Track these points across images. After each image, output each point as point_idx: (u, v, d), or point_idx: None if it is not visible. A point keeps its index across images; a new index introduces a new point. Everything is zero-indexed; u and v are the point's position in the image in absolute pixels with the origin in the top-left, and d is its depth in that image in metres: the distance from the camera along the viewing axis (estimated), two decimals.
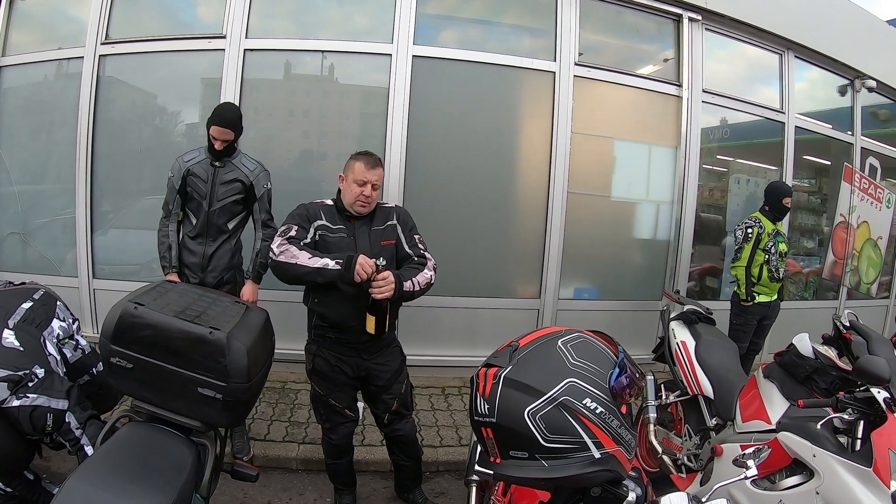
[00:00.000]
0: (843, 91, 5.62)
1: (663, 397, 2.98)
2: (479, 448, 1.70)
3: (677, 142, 4.72)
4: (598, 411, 1.13)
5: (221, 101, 3.16)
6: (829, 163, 5.79)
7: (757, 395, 2.41)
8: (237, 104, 4.11)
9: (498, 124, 4.45)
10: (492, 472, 1.22)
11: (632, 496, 1.20)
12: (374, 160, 2.39)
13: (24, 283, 2.42)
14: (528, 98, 4.53)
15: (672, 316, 3.19)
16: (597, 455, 1.13)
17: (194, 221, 3.08)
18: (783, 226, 4.29)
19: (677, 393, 2.94)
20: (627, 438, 1.19)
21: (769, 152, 5.28)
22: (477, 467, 1.26)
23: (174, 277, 3.06)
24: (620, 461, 1.17)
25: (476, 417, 1.22)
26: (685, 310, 3.18)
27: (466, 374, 4.24)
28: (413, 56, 4.16)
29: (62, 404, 1.89)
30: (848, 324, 2.57)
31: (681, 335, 3.00)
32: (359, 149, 2.52)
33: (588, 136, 4.50)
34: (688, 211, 4.75)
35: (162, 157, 4.43)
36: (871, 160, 5.71)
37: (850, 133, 5.64)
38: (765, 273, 4.07)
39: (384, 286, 2.18)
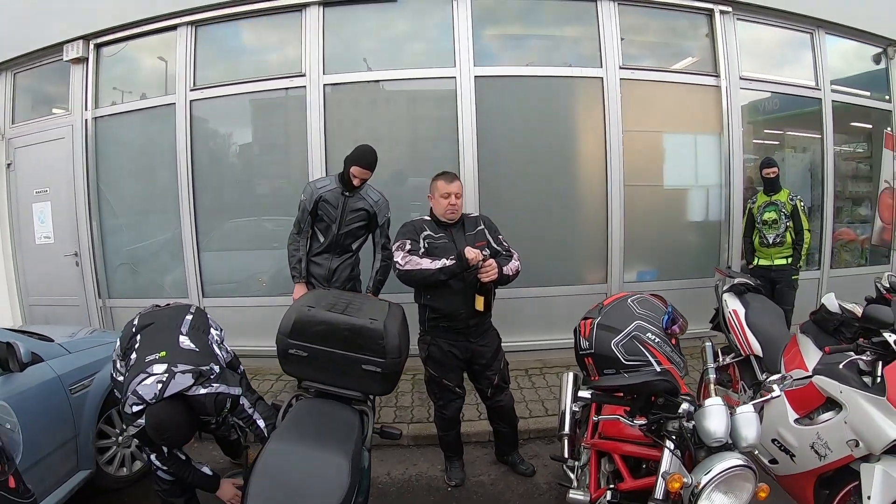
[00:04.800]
0: (877, 59, 5.68)
1: (720, 360, 3.22)
2: (570, 400, 2.33)
3: (720, 128, 4.94)
4: (656, 341, 1.95)
5: (361, 144, 3.43)
6: (869, 126, 5.82)
7: (796, 347, 2.69)
8: (324, 133, 4.52)
9: (556, 129, 4.81)
10: (589, 395, 1.73)
11: (685, 405, 1.74)
12: (452, 176, 2.88)
13: (168, 304, 2.67)
14: (581, 103, 4.86)
15: (724, 289, 3.46)
16: (658, 369, 1.86)
17: (322, 239, 3.49)
18: (787, 196, 4.49)
19: (732, 355, 3.20)
20: (677, 360, 1.97)
21: (810, 124, 5.39)
22: (580, 393, 1.73)
23: (302, 287, 3.49)
24: (674, 375, 1.79)
25: (581, 352, 2.14)
26: (736, 282, 3.45)
27: (546, 357, 4.65)
28: (475, 77, 4.53)
29: (237, 391, 2.23)
30: (888, 285, 2.81)
31: (732, 304, 3.27)
32: (433, 167, 3.04)
33: (638, 133, 4.80)
34: (735, 192, 4.96)
35: (253, 185, 4.93)
36: None
37: (887, 99, 5.69)
38: (756, 239, 4.60)
39: (490, 270, 2.65)
